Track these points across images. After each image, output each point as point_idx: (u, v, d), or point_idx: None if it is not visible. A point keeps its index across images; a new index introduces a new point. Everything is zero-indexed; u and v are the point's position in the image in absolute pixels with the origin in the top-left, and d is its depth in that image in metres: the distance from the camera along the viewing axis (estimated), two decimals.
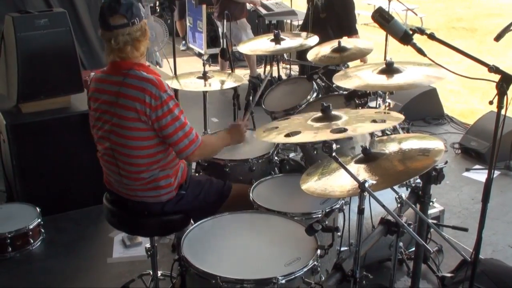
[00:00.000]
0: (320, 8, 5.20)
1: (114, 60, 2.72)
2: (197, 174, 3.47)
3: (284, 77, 6.47)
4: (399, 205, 2.53)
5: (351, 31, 5.66)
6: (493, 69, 2.10)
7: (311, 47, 4.04)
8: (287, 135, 2.30)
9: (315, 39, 4.11)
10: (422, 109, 6.28)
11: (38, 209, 4.01)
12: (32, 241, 3.90)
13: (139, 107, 2.62)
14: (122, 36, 2.66)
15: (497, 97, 2.11)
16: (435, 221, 3.74)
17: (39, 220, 3.97)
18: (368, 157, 2.46)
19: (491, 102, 2.13)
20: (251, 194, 2.97)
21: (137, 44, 2.70)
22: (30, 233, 3.88)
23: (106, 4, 2.67)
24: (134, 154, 2.72)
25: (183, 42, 9.66)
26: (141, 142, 2.70)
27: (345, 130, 2.23)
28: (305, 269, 2.30)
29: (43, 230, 4.03)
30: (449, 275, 3.32)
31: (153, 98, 2.61)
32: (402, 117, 2.39)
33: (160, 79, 2.69)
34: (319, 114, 2.42)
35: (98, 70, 2.91)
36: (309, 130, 2.30)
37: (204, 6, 8.49)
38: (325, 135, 2.21)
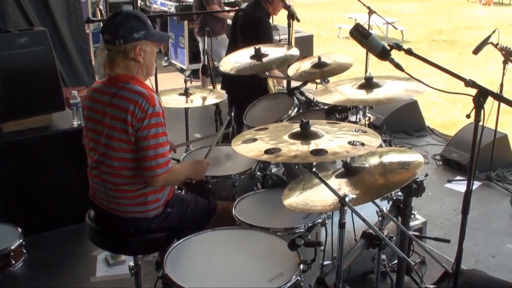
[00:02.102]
0: (238, 38, 5.20)
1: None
2: (180, 192, 3.47)
3: None
4: (380, 218, 2.55)
5: None
6: (470, 84, 2.12)
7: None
8: (268, 152, 2.30)
9: (295, 51, 4.15)
10: (404, 122, 6.34)
11: (19, 229, 3.95)
12: (14, 262, 3.82)
13: (126, 117, 2.65)
14: (104, 51, 2.76)
15: (474, 110, 2.14)
16: (417, 233, 3.76)
17: (21, 240, 3.91)
18: (349, 171, 2.49)
19: (468, 116, 2.15)
20: (233, 210, 2.97)
21: (112, 64, 2.75)
22: (12, 254, 3.80)
23: (108, 17, 2.81)
24: (119, 165, 2.74)
25: (165, 58, 9.68)
26: (126, 154, 2.72)
27: (325, 152, 2.24)
28: (288, 285, 2.29)
29: (25, 251, 3.96)
30: (432, 286, 3.34)
31: (140, 110, 2.64)
32: (379, 139, 2.41)
33: (152, 94, 2.73)
34: (297, 128, 2.42)
35: (99, 81, 2.96)
36: (288, 148, 2.30)
37: (186, 22, 8.53)
38: (305, 156, 2.22)
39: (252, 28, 5.02)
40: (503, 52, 4.62)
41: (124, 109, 2.66)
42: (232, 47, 4.67)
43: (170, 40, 9.25)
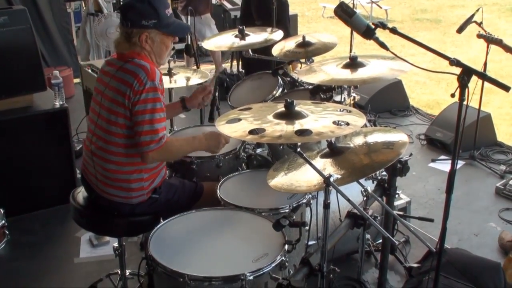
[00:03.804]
0: (254, 16, 5.09)
1: None
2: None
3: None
4: (365, 198, 2.55)
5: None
6: (454, 62, 2.11)
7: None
8: (252, 132, 2.28)
9: (279, 34, 4.11)
10: (388, 101, 6.35)
11: (1, 211, 3.94)
12: None
13: (125, 91, 2.62)
14: (118, 30, 2.82)
15: (458, 89, 2.13)
16: (401, 213, 3.78)
17: (3, 221, 3.89)
18: (334, 151, 2.47)
19: (453, 95, 2.14)
20: (218, 191, 2.95)
21: (117, 44, 2.77)
22: None
23: None
24: (110, 140, 2.71)
25: None
26: (119, 129, 2.69)
27: (310, 132, 2.22)
28: (273, 265, 2.30)
29: (7, 232, 3.95)
30: (416, 265, 3.36)
31: (138, 82, 2.60)
32: (364, 119, 2.39)
33: (154, 69, 2.67)
34: (281, 108, 2.40)
35: (114, 54, 2.92)
36: (273, 129, 2.28)
37: (169, 1, 8.41)
38: (290, 137, 2.21)
39: (268, 8, 4.92)
40: (487, 31, 4.63)
41: (125, 82, 2.64)
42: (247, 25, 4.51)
43: None
